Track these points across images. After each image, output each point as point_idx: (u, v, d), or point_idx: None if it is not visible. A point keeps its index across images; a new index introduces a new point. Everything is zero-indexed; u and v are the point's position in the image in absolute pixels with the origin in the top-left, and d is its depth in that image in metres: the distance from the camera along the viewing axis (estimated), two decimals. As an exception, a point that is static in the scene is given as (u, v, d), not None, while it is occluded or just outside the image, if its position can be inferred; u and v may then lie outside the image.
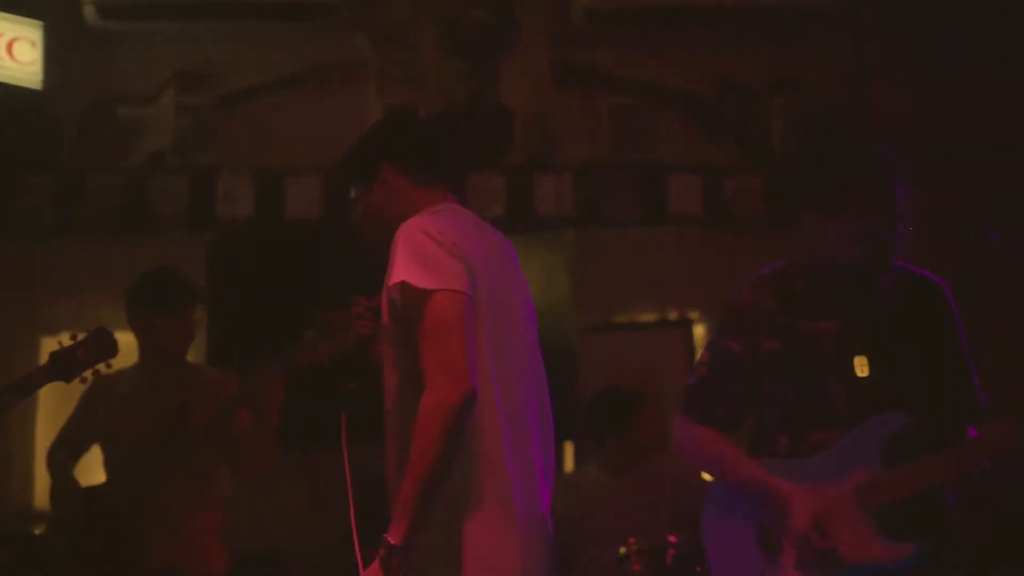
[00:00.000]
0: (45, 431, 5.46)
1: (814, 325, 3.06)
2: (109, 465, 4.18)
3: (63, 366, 3.43)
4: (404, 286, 2.59)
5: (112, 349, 3.47)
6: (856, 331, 3.05)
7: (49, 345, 5.94)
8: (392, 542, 2.43)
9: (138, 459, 4.04)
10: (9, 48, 5.93)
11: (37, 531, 5.13)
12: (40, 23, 6.05)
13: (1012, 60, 6.32)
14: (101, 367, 3.49)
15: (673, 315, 6.33)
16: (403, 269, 2.61)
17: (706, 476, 3.70)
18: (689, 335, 6.31)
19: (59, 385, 3.50)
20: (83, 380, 3.52)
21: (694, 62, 6.50)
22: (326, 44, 6.04)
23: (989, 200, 6.24)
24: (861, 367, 3.00)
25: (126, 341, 4.00)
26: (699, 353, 6.17)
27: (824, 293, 3.08)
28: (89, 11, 6.11)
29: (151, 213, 6.10)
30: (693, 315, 6.34)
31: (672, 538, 4.48)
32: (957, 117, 6.43)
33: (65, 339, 3.46)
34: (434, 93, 6.02)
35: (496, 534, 2.58)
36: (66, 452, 4.23)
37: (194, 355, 5.89)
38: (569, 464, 5.99)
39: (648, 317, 6.30)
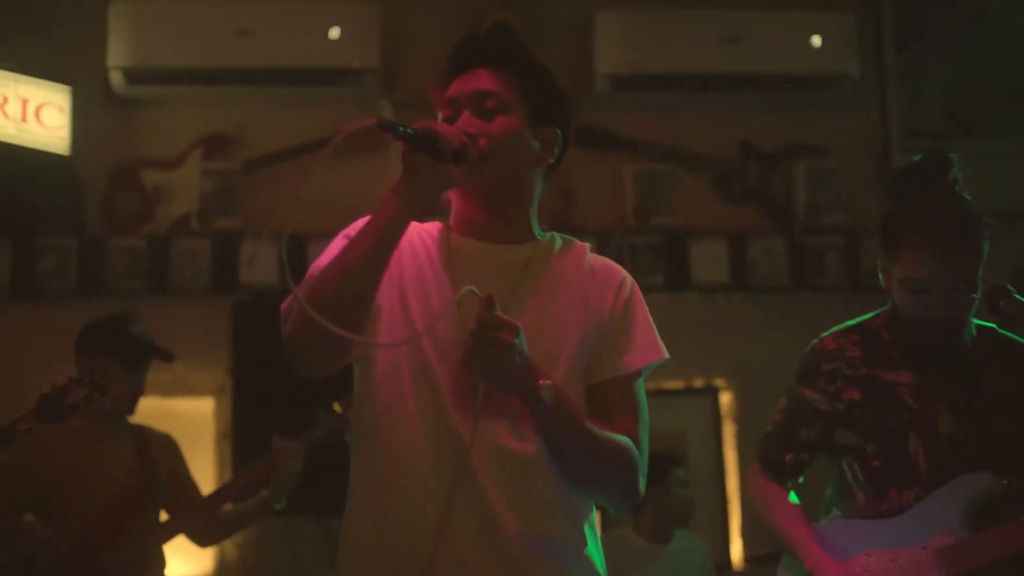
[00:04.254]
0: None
1: (896, 377, 2.96)
2: (56, 522, 3.94)
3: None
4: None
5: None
6: (939, 386, 2.93)
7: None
8: None
9: (99, 518, 3.94)
10: (37, 114, 5.97)
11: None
12: (68, 88, 6.09)
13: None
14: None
15: (698, 382, 6.28)
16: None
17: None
18: (715, 403, 6.25)
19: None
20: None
21: (715, 127, 6.51)
22: (349, 109, 6.05)
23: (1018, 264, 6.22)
24: (944, 424, 2.89)
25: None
26: (725, 422, 6.18)
27: (907, 345, 2.98)
28: (116, 77, 6.16)
29: (174, 277, 6.10)
30: (719, 382, 6.28)
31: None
32: (979, 182, 6.41)
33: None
34: (457, 158, 6.02)
35: None
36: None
37: (220, 420, 5.91)
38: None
39: (673, 384, 6.24)
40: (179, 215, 6.22)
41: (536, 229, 2.43)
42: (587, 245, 2.45)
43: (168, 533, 4.14)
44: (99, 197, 6.23)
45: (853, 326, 3.08)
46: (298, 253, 5.82)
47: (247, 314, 6.02)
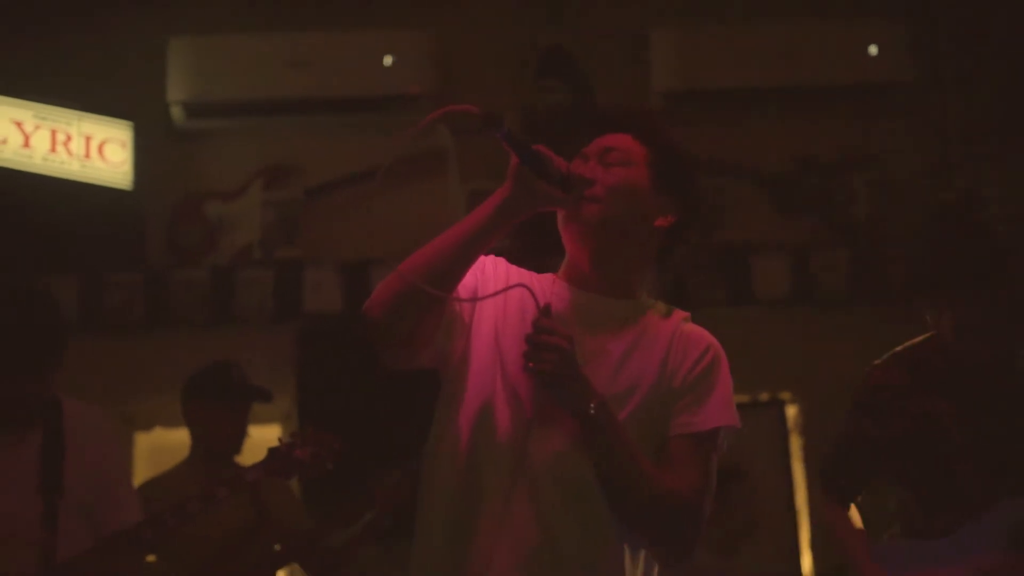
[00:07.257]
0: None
1: (945, 406, 3.06)
2: (172, 560, 4.02)
3: (281, 464, 3.37)
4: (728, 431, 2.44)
5: (333, 452, 3.41)
6: (987, 413, 3.03)
7: (143, 440, 6.07)
8: None
9: (212, 555, 4.00)
10: (100, 150, 6.06)
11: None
12: (129, 124, 6.19)
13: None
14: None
15: (764, 396, 6.24)
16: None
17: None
18: (781, 415, 6.21)
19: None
20: (299, 480, 3.44)
21: (772, 140, 6.48)
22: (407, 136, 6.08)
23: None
24: (991, 450, 3.00)
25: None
26: (792, 435, 6.13)
27: (959, 376, 3.08)
28: (176, 111, 6.24)
29: (238, 306, 6.16)
30: (785, 395, 6.24)
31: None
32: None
33: (281, 436, 3.43)
34: (516, 179, 6.04)
35: None
36: None
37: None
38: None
39: (739, 398, 6.19)
40: (242, 245, 6.29)
41: (640, 292, 2.52)
42: (687, 315, 2.52)
43: (278, 562, 4.19)
44: (162, 230, 6.31)
45: (903, 355, 3.18)
46: (361, 279, 5.88)
47: (311, 341, 6.07)
